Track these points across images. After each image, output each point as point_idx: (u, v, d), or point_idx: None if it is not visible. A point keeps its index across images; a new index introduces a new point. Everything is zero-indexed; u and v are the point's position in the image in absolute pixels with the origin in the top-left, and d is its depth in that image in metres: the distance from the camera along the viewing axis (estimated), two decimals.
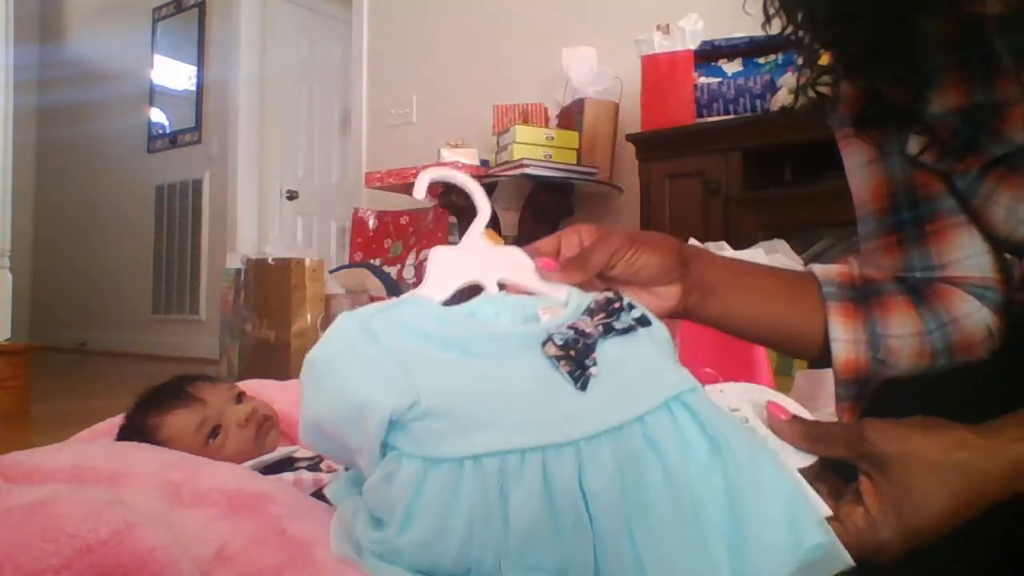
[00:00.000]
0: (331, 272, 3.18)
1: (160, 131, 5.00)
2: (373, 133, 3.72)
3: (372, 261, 3.39)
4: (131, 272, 5.08)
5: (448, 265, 0.54)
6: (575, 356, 0.48)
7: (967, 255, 0.63)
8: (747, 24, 1.14)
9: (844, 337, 0.63)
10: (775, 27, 0.63)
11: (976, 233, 0.63)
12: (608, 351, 0.50)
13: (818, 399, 1.47)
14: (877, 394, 0.64)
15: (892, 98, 0.62)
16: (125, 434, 0.88)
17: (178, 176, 4.81)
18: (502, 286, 0.55)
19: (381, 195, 3.23)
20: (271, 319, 2.90)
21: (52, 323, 5.36)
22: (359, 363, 0.46)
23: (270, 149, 4.49)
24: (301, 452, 0.90)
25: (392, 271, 3.30)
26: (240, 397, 0.91)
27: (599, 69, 2.58)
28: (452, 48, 3.40)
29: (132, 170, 5.10)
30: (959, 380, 0.63)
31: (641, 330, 0.52)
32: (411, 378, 0.46)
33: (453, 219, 2.88)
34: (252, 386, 0.99)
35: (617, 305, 0.52)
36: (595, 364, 0.48)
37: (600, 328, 0.51)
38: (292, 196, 4.56)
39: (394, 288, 3.20)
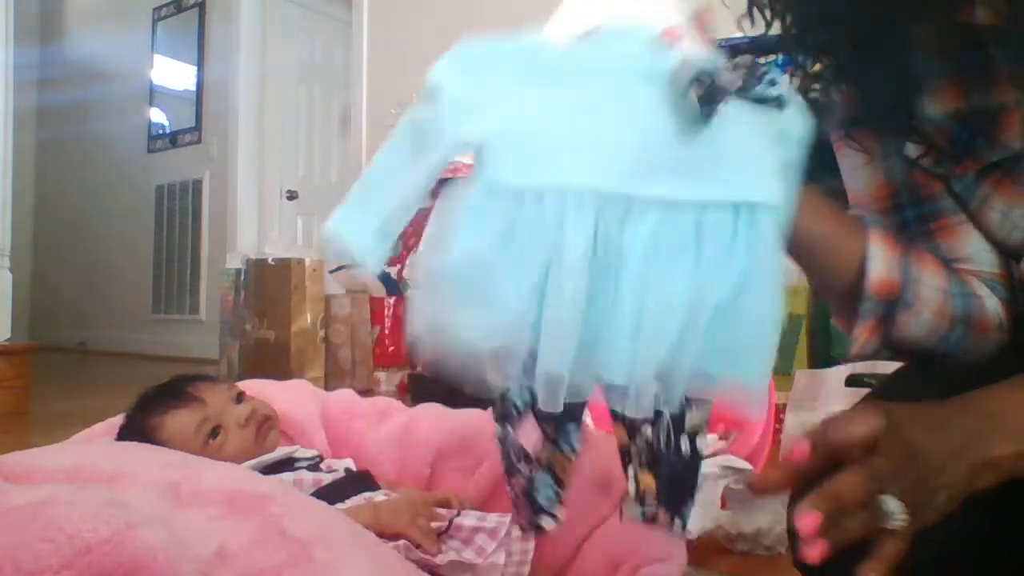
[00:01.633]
0: (331, 272, 3.18)
1: (160, 131, 4.99)
2: (373, 133, 3.72)
3: None
4: (131, 272, 5.08)
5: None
6: (709, 88, 0.44)
7: (976, 250, 0.64)
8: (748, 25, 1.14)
9: (882, 256, 0.61)
10: (758, 27, 0.64)
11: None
12: (733, 115, 0.45)
13: (818, 399, 1.47)
14: (883, 389, 0.64)
15: (882, 103, 0.62)
16: (125, 434, 0.88)
17: (178, 176, 4.81)
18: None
19: None
20: (271, 319, 2.90)
21: (52, 323, 5.35)
22: (456, 95, 0.46)
23: (270, 149, 4.49)
24: (301, 452, 0.90)
25: (392, 271, 3.30)
26: (240, 397, 0.91)
27: None
28: (452, 48, 3.40)
29: (132, 170, 5.10)
30: (961, 380, 0.63)
31: (772, 112, 0.46)
32: (493, 114, 0.45)
33: None
34: (252, 386, 0.99)
35: (760, 73, 0.46)
36: (713, 114, 0.44)
37: (739, 83, 0.45)
38: (292, 196, 4.56)
39: (394, 288, 3.20)
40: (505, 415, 0.52)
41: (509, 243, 0.43)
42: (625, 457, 0.53)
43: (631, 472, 0.53)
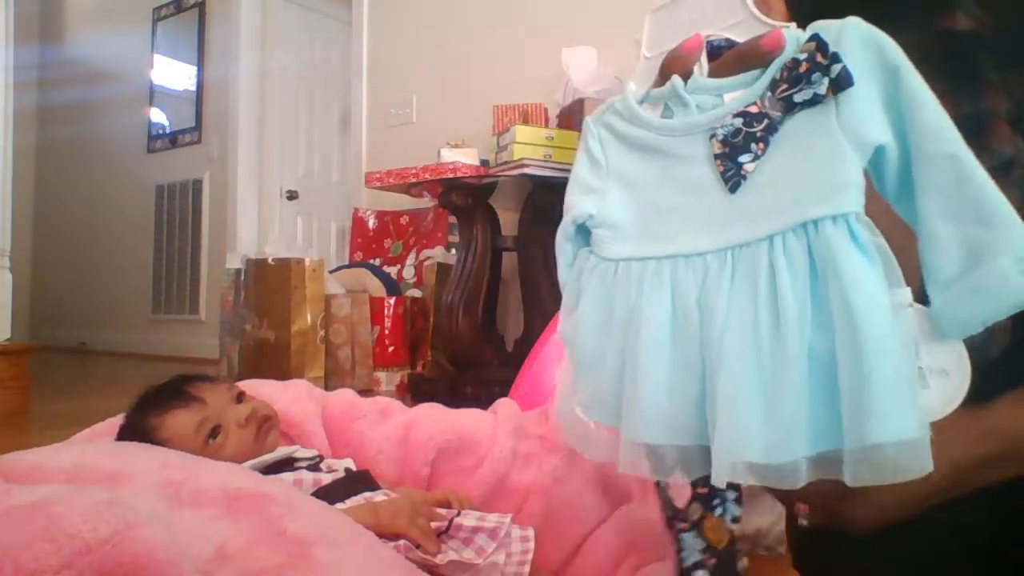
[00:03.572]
0: (331, 272, 3.18)
1: (160, 131, 5.00)
2: (373, 133, 3.72)
3: (372, 261, 3.39)
4: (131, 272, 5.08)
5: (655, 36, 0.51)
6: (730, 153, 0.43)
7: None
8: None
9: None
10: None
11: None
12: (787, 137, 0.42)
13: None
14: None
15: None
16: (125, 434, 0.88)
17: (178, 176, 4.82)
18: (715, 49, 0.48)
19: (381, 195, 3.23)
20: (271, 319, 2.90)
21: (52, 323, 5.36)
22: (579, 169, 0.50)
23: (270, 149, 4.50)
24: (301, 452, 0.90)
25: (392, 271, 3.31)
26: (240, 397, 0.91)
27: (599, 69, 2.58)
28: (452, 48, 3.40)
29: (132, 170, 5.10)
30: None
31: (830, 104, 0.41)
32: (603, 189, 0.49)
33: (453, 219, 2.88)
34: (252, 386, 0.99)
35: (804, 68, 0.41)
36: (755, 158, 0.42)
37: (781, 104, 0.42)
38: (292, 196, 4.56)
39: (394, 288, 3.20)
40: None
41: (610, 307, 0.46)
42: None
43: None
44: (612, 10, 2.80)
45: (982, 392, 0.53)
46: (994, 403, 0.51)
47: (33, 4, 5.42)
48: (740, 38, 0.45)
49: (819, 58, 0.40)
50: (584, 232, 0.50)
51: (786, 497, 0.53)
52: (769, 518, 1.06)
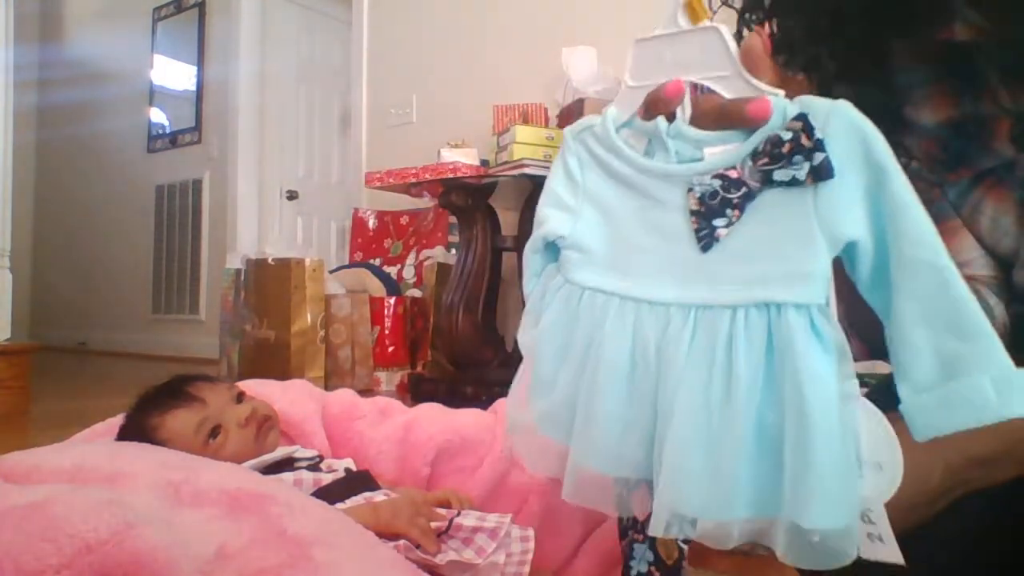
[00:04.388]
0: (331, 272, 3.18)
1: (160, 131, 5.00)
2: (373, 133, 3.72)
3: (372, 261, 3.39)
4: (131, 272, 5.08)
5: (639, 68, 0.49)
6: (705, 213, 0.43)
7: (976, 256, 0.64)
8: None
9: None
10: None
11: None
12: (762, 208, 0.42)
13: None
14: (882, 389, 0.64)
15: (870, 115, 0.63)
16: (125, 434, 0.88)
17: (178, 176, 4.82)
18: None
19: (381, 195, 3.22)
20: (271, 319, 2.90)
21: (52, 323, 5.36)
22: (554, 183, 0.51)
23: (270, 149, 4.50)
24: (301, 452, 0.90)
25: (392, 271, 3.31)
26: (240, 397, 0.91)
27: (599, 69, 2.58)
28: (452, 48, 3.40)
29: (132, 170, 5.10)
30: None
31: (808, 189, 0.41)
32: (577, 209, 0.50)
33: (453, 219, 2.88)
34: (252, 386, 0.99)
35: (787, 148, 0.41)
36: (728, 224, 0.42)
37: (759, 176, 0.42)
38: (292, 196, 4.56)
39: (394, 288, 3.20)
40: (619, 480, 0.50)
41: (572, 330, 0.48)
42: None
43: None
44: (612, 10, 2.80)
45: None
46: None
47: (33, 4, 5.41)
48: (726, 92, 0.45)
49: (803, 140, 0.41)
50: (553, 248, 0.51)
51: None
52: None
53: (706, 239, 0.43)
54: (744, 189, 0.42)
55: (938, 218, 0.65)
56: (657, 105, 0.46)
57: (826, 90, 0.64)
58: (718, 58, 0.45)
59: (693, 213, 0.44)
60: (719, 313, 0.42)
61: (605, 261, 0.48)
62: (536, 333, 0.50)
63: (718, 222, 0.43)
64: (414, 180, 2.43)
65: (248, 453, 0.86)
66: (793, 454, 0.39)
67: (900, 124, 0.63)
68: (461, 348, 2.41)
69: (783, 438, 0.40)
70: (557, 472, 0.49)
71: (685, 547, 0.51)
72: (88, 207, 5.37)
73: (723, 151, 0.44)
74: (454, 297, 2.42)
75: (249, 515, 0.59)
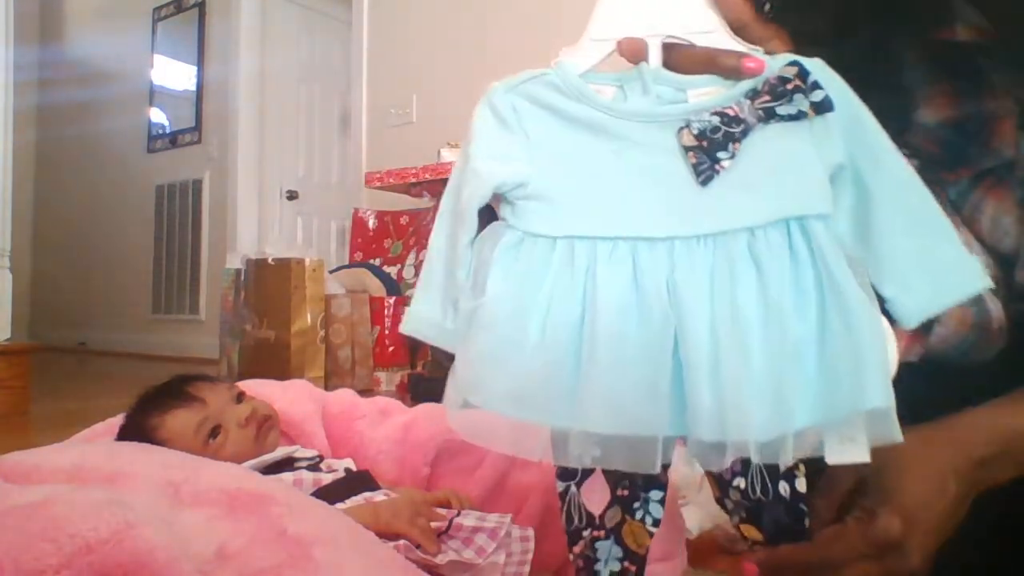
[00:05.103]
0: (331, 272, 3.18)
1: (160, 131, 4.99)
2: (373, 133, 3.72)
3: (372, 261, 3.39)
4: (131, 272, 5.08)
5: (609, 22, 0.50)
6: (707, 147, 0.45)
7: (974, 254, 0.64)
8: None
9: None
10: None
11: None
12: (760, 141, 0.45)
13: None
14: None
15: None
16: (125, 434, 0.88)
17: (178, 176, 4.81)
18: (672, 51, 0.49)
19: (381, 195, 3.22)
20: (271, 319, 2.90)
21: (52, 323, 5.35)
22: (484, 140, 0.49)
23: (270, 149, 4.49)
24: (301, 452, 0.90)
25: (392, 271, 3.30)
26: (240, 397, 0.91)
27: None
28: (452, 48, 3.40)
29: (132, 170, 5.10)
30: (959, 380, 0.63)
31: (814, 119, 0.45)
32: (527, 159, 0.48)
33: None
34: (252, 386, 0.99)
35: (791, 86, 0.45)
36: (731, 156, 0.45)
37: (760, 113, 0.45)
38: (292, 196, 4.56)
39: (394, 288, 3.20)
40: (567, 471, 0.48)
41: (539, 286, 0.45)
42: (724, 508, 0.50)
43: (735, 524, 0.50)
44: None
45: (982, 393, 0.54)
46: (990, 405, 0.51)
47: (33, 4, 5.41)
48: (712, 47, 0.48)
49: (799, 82, 0.46)
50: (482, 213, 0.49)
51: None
52: None
53: (706, 172, 0.45)
54: (743, 125, 0.45)
55: None
56: (632, 50, 0.49)
57: None
58: (701, 14, 0.49)
59: (690, 149, 0.45)
60: (734, 237, 0.44)
61: (580, 209, 0.46)
62: (485, 301, 0.45)
63: (722, 155, 0.45)
64: (414, 180, 2.43)
65: (248, 453, 0.86)
66: (844, 350, 0.42)
67: (904, 123, 0.63)
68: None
69: (823, 341, 0.42)
70: (513, 448, 0.46)
71: (654, 531, 0.49)
72: (88, 207, 5.36)
73: (709, 93, 0.47)
74: None
75: (249, 515, 0.59)
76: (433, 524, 0.74)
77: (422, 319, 0.49)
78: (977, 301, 0.63)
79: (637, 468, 0.44)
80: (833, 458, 0.43)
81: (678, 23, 0.49)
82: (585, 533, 0.49)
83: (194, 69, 4.77)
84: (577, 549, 0.50)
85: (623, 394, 0.42)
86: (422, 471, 0.93)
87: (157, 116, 5.01)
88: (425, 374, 2.76)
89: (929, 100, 0.62)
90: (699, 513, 1.08)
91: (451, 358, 0.47)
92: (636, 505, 0.49)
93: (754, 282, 0.43)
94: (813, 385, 0.42)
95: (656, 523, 0.49)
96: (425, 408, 1.02)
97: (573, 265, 0.45)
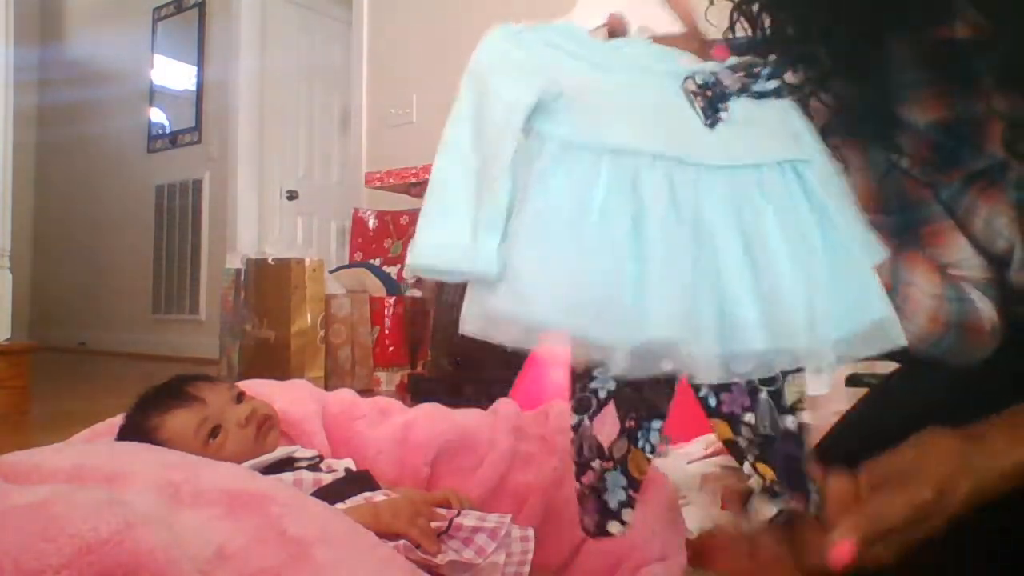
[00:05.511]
0: (331, 272, 3.18)
1: (160, 131, 4.99)
2: (373, 133, 3.72)
3: (372, 261, 3.39)
4: (131, 272, 5.08)
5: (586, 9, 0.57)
6: (710, 97, 0.52)
7: (966, 256, 0.64)
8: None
9: None
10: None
11: None
12: (738, 107, 0.53)
13: (818, 399, 1.47)
14: (881, 389, 0.64)
15: (862, 113, 0.63)
16: (125, 434, 0.88)
17: (178, 176, 4.81)
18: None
19: (381, 195, 3.22)
20: (271, 319, 2.90)
21: (52, 323, 5.35)
22: (509, 68, 0.50)
23: (270, 149, 4.49)
24: (301, 452, 0.90)
25: (392, 271, 3.30)
26: (240, 397, 0.91)
27: None
28: (452, 48, 3.40)
29: (132, 170, 5.10)
30: (955, 383, 0.63)
31: (774, 101, 0.55)
32: (554, 78, 0.49)
33: None
34: (252, 386, 0.99)
35: (757, 70, 0.55)
36: (726, 110, 0.52)
37: (739, 84, 0.53)
38: (292, 196, 4.56)
39: (394, 288, 3.20)
40: (582, 404, 0.50)
41: (590, 200, 0.45)
42: (734, 453, 0.51)
43: (748, 468, 0.51)
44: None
45: (982, 396, 0.54)
46: (976, 428, 0.51)
47: (33, 4, 5.41)
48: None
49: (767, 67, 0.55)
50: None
51: None
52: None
53: (712, 118, 0.51)
54: (730, 88, 0.53)
55: (926, 221, 0.65)
56: (619, 30, 0.56)
57: (821, 87, 0.64)
58: (665, 18, 0.61)
59: (697, 94, 0.52)
60: (744, 172, 0.49)
61: (615, 120, 0.48)
62: (531, 213, 0.44)
63: (720, 105, 0.52)
64: (414, 180, 2.43)
65: (248, 453, 0.86)
66: (849, 271, 0.49)
67: (894, 123, 0.63)
68: (461, 348, 2.41)
69: (832, 264, 0.48)
70: (521, 342, 0.44)
71: (652, 457, 0.51)
72: (88, 207, 5.36)
73: (695, 59, 0.55)
74: (454, 297, 2.42)
75: (249, 515, 0.59)
76: (433, 524, 0.74)
77: (443, 245, 0.45)
78: (958, 298, 0.63)
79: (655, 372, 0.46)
80: (812, 389, 0.48)
81: (649, 25, 0.58)
82: (595, 464, 0.51)
83: (194, 69, 4.77)
84: (586, 480, 0.51)
85: (674, 301, 0.45)
86: (422, 471, 0.93)
87: (157, 116, 5.01)
88: (425, 374, 2.76)
89: (920, 101, 0.62)
90: (699, 513, 1.08)
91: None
92: (639, 434, 0.51)
93: (771, 210, 0.48)
94: (830, 302, 0.47)
95: (653, 450, 0.52)
96: (425, 408, 1.02)
97: (620, 178, 0.46)
